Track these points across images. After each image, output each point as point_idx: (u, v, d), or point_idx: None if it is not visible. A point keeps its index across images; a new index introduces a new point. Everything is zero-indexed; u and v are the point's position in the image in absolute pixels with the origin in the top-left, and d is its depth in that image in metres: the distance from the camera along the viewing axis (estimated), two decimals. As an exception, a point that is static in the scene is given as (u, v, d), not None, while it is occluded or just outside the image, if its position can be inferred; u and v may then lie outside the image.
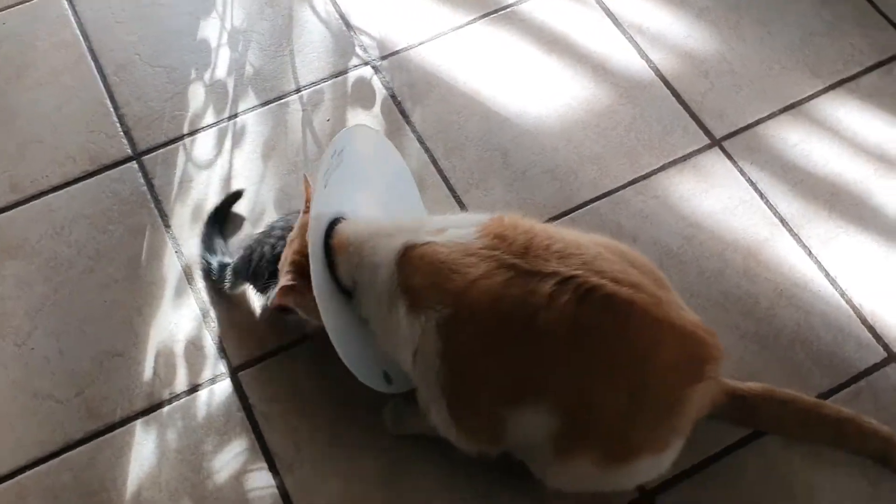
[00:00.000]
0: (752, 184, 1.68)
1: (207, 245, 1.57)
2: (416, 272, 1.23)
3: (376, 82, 1.81)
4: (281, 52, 1.85)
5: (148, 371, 1.50)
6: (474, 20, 1.89)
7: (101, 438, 1.44)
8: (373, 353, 1.33)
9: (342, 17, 1.90)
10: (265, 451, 1.43)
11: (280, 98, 1.79)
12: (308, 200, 1.37)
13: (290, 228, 1.40)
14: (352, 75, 1.82)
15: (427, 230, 1.26)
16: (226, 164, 1.72)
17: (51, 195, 1.68)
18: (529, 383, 1.20)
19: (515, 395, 1.21)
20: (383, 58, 1.84)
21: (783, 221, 1.64)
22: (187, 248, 1.62)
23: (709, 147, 1.72)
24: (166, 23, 1.90)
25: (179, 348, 1.52)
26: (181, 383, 1.49)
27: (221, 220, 1.62)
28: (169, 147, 1.73)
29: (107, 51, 1.85)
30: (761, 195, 1.66)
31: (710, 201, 1.66)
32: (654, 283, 1.22)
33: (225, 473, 1.41)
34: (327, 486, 1.40)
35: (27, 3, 1.92)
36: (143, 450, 1.43)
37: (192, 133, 1.75)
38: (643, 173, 1.69)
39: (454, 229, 1.25)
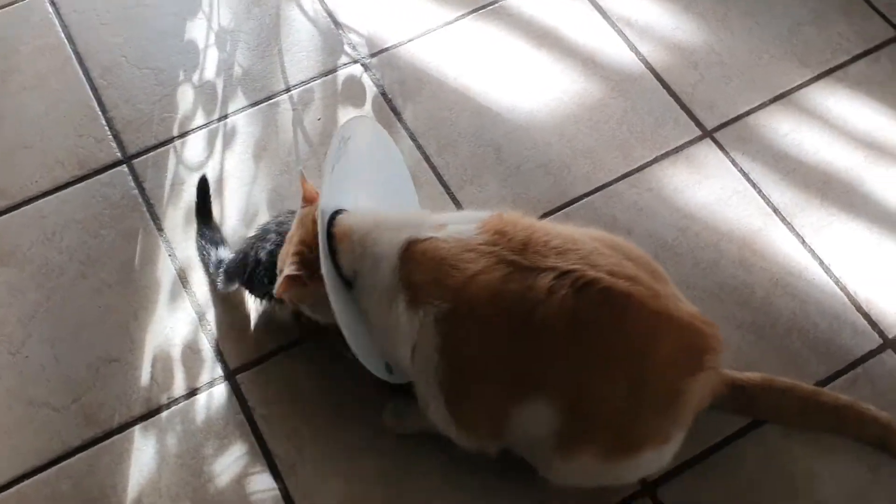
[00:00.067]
0: (745, 174, 1.68)
1: (209, 238, 1.56)
2: (418, 268, 1.22)
3: (366, 80, 1.80)
4: (269, 51, 1.84)
5: (145, 376, 1.49)
6: (463, 16, 1.89)
7: (100, 445, 1.43)
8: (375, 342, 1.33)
9: (330, 14, 1.89)
10: (266, 454, 1.42)
11: (270, 98, 1.78)
12: (305, 195, 1.37)
13: (285, 233, 1.39)
14: (341, 73, 1.81)
15: (429, 225, 1.26)
16: (217, 165, 1.70)
17: (41, 201, 1.66)
18: (528, 378, 1.20)
19: (514, 390, 1.21)
20: (373, 55, 1.83)
21: (776, 211, 1.64)
22: (181, 252, 1.60)
23: (700, 138, 1.73)
24: (152, 24, 1.88)
25: (176, 352, 1.51)
26: (179, 387, 1.48)
27: (207, 213, 1.60)
28: (159, 150, 1.72)
29: (93, 53, 1.83)
30: (754, 185, 1.67)
31: (703, 192, 1.66)
32: (650, 275, 1.23)
33: (226, 477, 1.41)
34: (328, 487, 1.39)
35: (9, 7, 1.90)
36: (143, 455, 1.42)
37: (182, 135, 1.74)
38: (636, 166, 1.69)
39: (455, 225, 1.25)
